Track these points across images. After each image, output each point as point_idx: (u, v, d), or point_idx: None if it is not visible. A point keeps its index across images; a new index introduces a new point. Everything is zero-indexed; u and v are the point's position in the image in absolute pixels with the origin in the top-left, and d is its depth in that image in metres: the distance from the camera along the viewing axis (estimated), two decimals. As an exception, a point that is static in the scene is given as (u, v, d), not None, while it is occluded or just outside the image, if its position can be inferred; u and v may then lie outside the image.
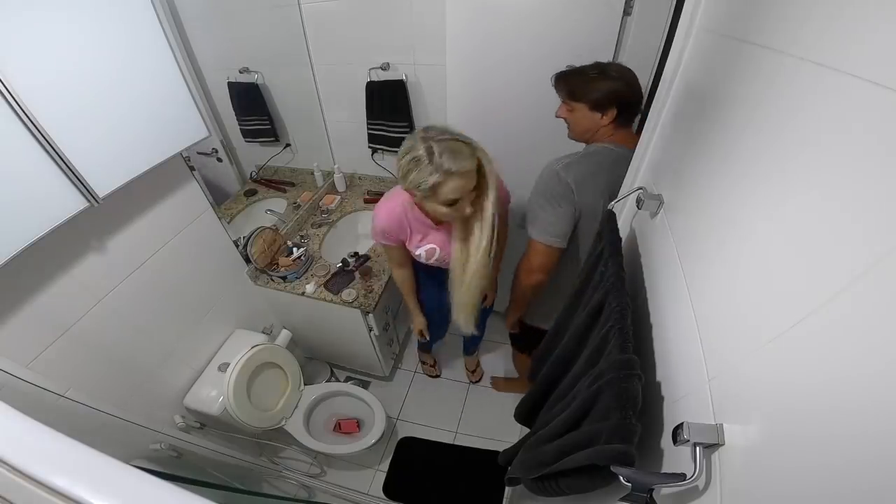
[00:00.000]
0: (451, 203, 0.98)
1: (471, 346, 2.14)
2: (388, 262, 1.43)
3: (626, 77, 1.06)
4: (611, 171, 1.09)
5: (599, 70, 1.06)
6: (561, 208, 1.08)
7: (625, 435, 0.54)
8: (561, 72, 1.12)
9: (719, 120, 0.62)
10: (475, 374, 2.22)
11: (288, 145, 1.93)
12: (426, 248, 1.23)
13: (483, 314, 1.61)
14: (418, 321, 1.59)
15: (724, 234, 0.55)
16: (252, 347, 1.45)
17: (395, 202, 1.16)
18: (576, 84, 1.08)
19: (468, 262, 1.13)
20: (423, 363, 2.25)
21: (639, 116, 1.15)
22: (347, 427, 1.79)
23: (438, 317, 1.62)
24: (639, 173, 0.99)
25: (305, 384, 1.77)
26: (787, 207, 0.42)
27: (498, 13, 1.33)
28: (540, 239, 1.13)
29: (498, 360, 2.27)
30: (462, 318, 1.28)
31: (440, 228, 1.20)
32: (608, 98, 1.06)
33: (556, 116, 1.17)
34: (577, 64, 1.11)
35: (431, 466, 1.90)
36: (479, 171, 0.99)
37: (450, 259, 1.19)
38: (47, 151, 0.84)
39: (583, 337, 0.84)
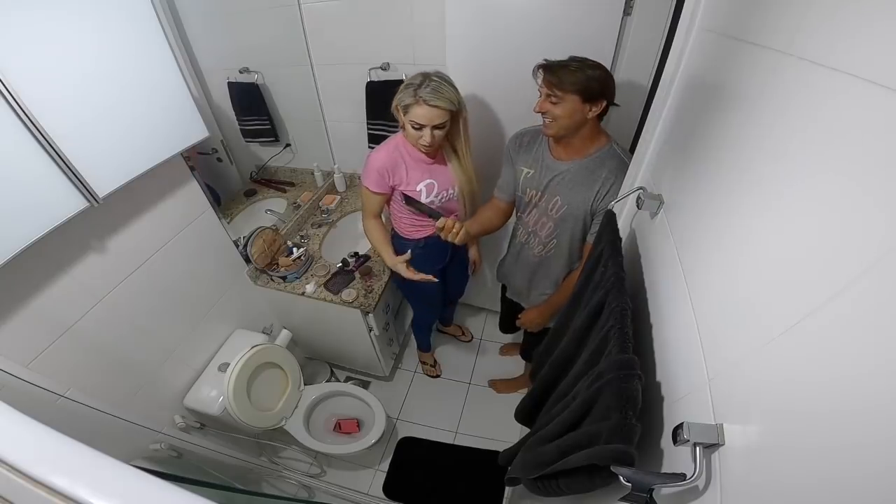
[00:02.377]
0: (417, 127, 1.20)
1: (449, 317, 2.30)
2: (364, 214, 1.45)
3: (605, 71, 1.07)
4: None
5: (583, 61, 1.06)
6: None
7: (625, 435, 0.54)
8: (547, 63, 1.09)
9: (719, 120, 0.62)
10: (465, 335, 2.37)
11: (288, 145, 1.93)
12: (426, 183, 1.36)
13: (464, 279, 1.87)
14: (398, 261, 1.42)
15: (724, 234, 0.55)
16: (252, 347, 1.45)
17: (391, 144, 1.34)
18: (567, 74, 1.05)
19: (464, 169, 1.38)
20: (424, 363, 2.25)
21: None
22: (347, 427, 1.79)
23: (438, 295, 1.69)
24: (639, 173, 0.99)
25: (305, 384, 1.77)
26: (787, 207, 0.42)
27: (497, 13, 1.33)
28: None
29: (495, 361, 2.27)
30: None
31: (435, 165, 1.36)
32: (602, 94, 1.06)
33: (537, 111, 1.13)
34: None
35: (431, 466, 1.90)
36: (455, 119, 1.25)
37: (447, 193, 1.41)
38: (47, 152, 0.84)
39: (583, 337, 0.84)
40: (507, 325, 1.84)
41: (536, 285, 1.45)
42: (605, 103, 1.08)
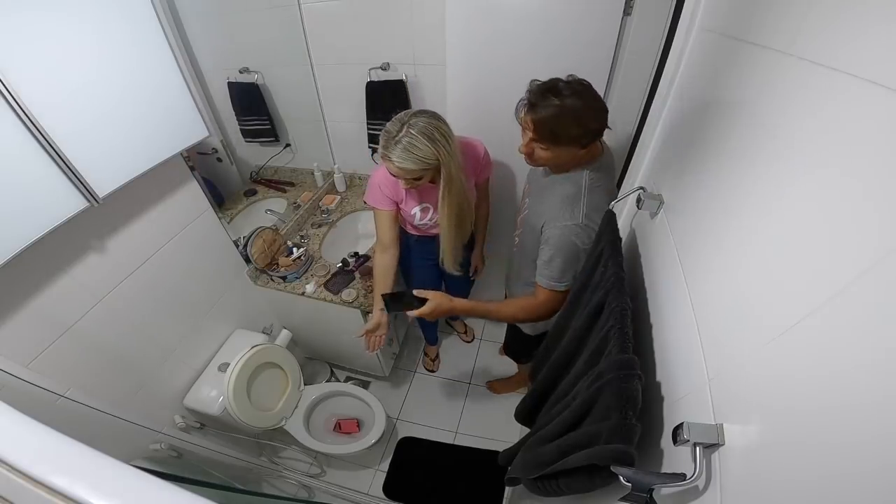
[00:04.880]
0: (393, 175, 1.15)
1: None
2: (376, 244, 1.42)
3: (597, 102, 0.93)
4: (606, 183, 1.06)
5: (567, 98, 0.90)
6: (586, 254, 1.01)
7: (625, 435, 0.54)
8: (530, 104, 0.95)
9: (719, 119, 0.62)
10: (468, 335, 2.37)
11: (288, 145, 1.93)
12: (421, 207, 1.36)
13: (467, 283, 1.86)
14: (374, 318, 1.38)
15: (724, 234, 0.55)
16: (252, 347, 1.45)
17: None
18: (556, 127, 0.92)
19: (446, 208, 1.24)
20: (426, 355, 2.28)
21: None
22: (347, 427, 1.79)
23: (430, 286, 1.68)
24: (639, 173, 0.99)
25: (305, 384, 1.77)
26: (787, 207, 0.42)
27: (497, 13, 1.33)
28: (562, 288, 1.06)
29: (495, 362, 2.27)
30: (449, 257, 1.37)
31: (432, 189, 1.27)
32: (594, 136, 0.96)
33: (522, 152, 1.03)
34: (573, 68, 0.98)
35: (431, 466, 1.90)
36: (437, 168, 1.13)
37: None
38: (48, 152, 0.84)
39: (583, 337, 0.84)
40: None
41: (517, 277, 1.38)
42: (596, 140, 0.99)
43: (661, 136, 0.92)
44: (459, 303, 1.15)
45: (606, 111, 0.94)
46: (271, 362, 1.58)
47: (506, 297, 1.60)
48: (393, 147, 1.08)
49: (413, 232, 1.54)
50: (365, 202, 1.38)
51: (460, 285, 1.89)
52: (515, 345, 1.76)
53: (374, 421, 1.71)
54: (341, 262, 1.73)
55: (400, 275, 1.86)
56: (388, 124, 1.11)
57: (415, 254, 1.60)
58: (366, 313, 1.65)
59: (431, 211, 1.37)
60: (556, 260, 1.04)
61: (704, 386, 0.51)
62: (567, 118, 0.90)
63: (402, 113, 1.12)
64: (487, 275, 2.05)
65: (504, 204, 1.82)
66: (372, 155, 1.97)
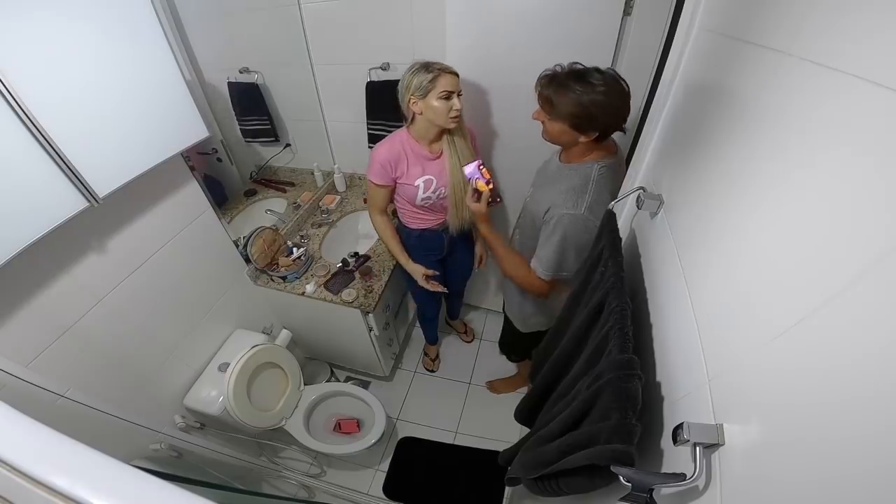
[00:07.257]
0: (446, 97, 1.23)
1: (454, 310, 2.30)
2: (370, 209, 1.54)
3: (614, 101, 0.98)
4: (613, 183, 1.10)
5: (591, 86, 0.96)
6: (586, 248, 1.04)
7: (625, 435, 0.54)
8: (548, 78, 1.02)
9: (719, 120, 0.62)
10: (468, 335, 2.39)
11: (288, 145, 1.93)
12: (424, 179, 1.39)
13: (465, 271, 1.88)
14: (416, 269, 1.59)
15: (724, 234, 0.55)
16: (252, 347, 1.45)
17: (395, 139, 1.38)
18: (561, 102, 0.99)
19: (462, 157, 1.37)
20: (426, 355, 2.28)
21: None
22: (347, 427, 1.79)
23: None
24: (639, 173, 0.99)
25: (305, 384, 1.77)
26: (788, 208, 0.42)
27: (497, 13, 1.33)
28: (557, 277, 1.12)
29: (495, 361, 2.27)
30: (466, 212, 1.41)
31: (435, 160, 1.38)
32: (592, 126, 1.01)
33: (534, 118, 1.11)
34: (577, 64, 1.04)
35: (431, 466, 1.90)
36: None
37: (445, 190, 1.42)
38: (48, 152, 0.84)
39: (583, 337, 0.84)
40: None
41: None
42: (596, 135, 1.02)
43: (661, 137, 0.92)
44: (485, 227, 1.25)
45: (618, 109, 0.99)
46: (271, 362, 1.58)
47: (503, 286, 1.61)
48: (435, 65, 1.22)
49: (415, 226, 1.54)
50: (369, 179, 1.42)
51: (458, 275, 1.89)
52: (507, 340, 1.76)
53: (374, 421, 1.71)
54: (341, 262, 1.73)
55: (396, 290, 1.91)
56: (409, 73, 1.24)
57: (416, 251, 1.60)
58: (366, 313, 1.65)
59: (435, 182, 1.40)
60: (547, 246, 1.09)
61: (704, 386, 0.51)
62: (576, 94, 0.96)
63: (408, 68, 1.26)
64: (487, 273, 2.06)
65: (503, 202, 1.82)
66: (372, 155, 1.97)
